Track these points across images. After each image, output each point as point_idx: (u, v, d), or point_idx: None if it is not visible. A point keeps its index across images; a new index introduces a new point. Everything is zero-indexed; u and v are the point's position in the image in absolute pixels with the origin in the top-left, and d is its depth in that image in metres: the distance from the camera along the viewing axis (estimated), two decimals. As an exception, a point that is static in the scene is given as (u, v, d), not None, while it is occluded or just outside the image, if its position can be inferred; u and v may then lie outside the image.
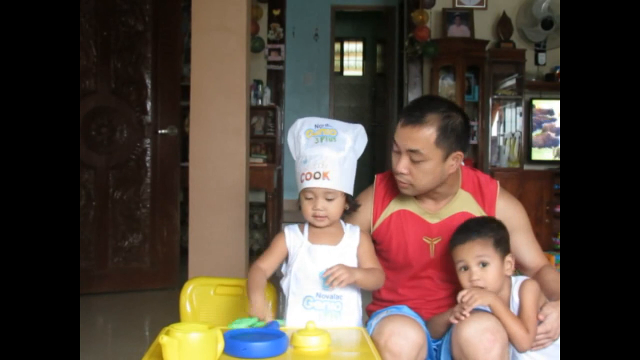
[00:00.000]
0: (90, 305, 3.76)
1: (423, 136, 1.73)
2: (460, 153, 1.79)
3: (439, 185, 1.81)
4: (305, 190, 1.71)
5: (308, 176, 1.68)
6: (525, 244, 1.90)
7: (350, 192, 1.75)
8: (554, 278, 1.83)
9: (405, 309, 1.84)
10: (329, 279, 1.62)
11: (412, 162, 1.75)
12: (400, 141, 1.77)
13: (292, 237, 1.76)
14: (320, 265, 1.69)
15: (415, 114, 1.75)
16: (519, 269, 1.93)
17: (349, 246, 1.74)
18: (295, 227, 1.78)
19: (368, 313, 1.96)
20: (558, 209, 5.36)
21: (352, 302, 1.71)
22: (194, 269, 3.18)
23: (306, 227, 1.77)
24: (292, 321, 1.68)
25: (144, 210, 4.21)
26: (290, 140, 1.78)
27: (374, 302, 1.98)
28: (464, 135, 1.79)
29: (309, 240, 1.75)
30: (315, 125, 1.75)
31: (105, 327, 3.66)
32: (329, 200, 1.70)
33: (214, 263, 3.18)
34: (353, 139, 1.75)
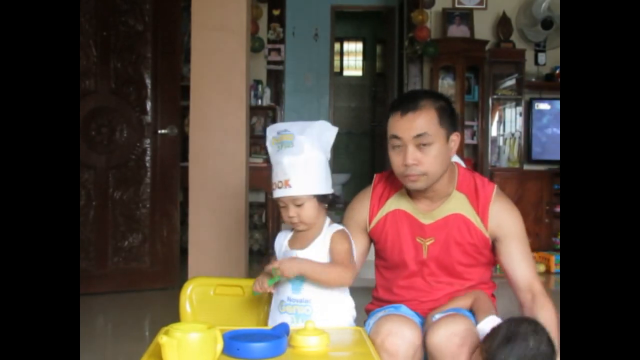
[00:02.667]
0: (90, 305, 3.76)
1: (426, 118, 1.75)
2: (457, 134, 1.83)
3: (445, 171, 1.81)
4: (277, 199, 1.74)
5: (273, 186, 1.72)
6: (516, 254, 1.82)
7: (322, 191, 1.72)
8: (548, 321, 1.70)
9: (403, 309, 1.84)
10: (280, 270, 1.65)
11: (419, 150, 1.74)
12: (403, 132, 1.75)
13: (279, 241, 1.81)
14: None
15: (409, 104, 1.77)
16: (510, 285, 1.86)
17: (319, 249, 1.72)
18: (287, 231, 1.82)
19: (366, 312, 1.96)
20: (558, 209, 5.36)
21: (324, 306, 1.69)
22: (194, 269, 3.18)
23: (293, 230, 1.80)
24: (271, 324, 1.70)
25: (144, 210, 4.21)
26: (268, 147, 1.80)
27: (372, 302, 1.98)
28: (454, 117, 1.84)
29: (288, 244, 1.78)
30: (277, 132, 1.74)
31: (105, 327, 3.66)
32: (298, 206, 1.70)
33: (213, 263, 3.18)
34: (315, 138, 1.71)
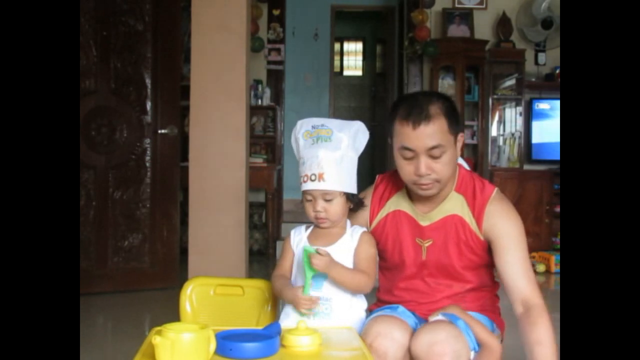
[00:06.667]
0: (90, 305, 3.76)
1: (438, 128, 1.71)
2: (462, 134, 1.82)
3: (451, 176, 1.80)
4: (305, 192, 1.73)
5: (305, 178, 1.71)
6: (509, 259, 1.75)
7: (352, 190, 1.76)
8: (539, 339, 1.66)
9: (400, 309, 1.84)
10: (312, 260, 1.62)
11: (432, 159, 1.72)
12: (416, 144, 1.71)
13: (296, 237, 1.80)
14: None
15: (419, 113, 1.71)
16: (505, 292, 1.80)
17: (345, 247, 1.74)
18: (302, 227, 1.82)
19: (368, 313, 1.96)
20: (558, 209, 5.36)
21: (344, 305, 1.71)
22: (194, 268, 3.18)
23: (311, 227, 1.80)
24: (285, 320, 1.70)
25: (144, 210, 4.21)
26: (292, 142, 1.81)
27: (375, 302, 1.98)
28: (458, 115, 1.81)
29: (308, 240, 1.77)
30: (312, 126, 1.75)
31: (105, 326, 3.66)
32: (328, 201, 1.71)
33: (214, 263, 3.18)
34: (351, 137, 1.74)
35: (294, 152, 1.83)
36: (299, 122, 1.80)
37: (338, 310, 1.70)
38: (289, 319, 1.70)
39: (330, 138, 1.72)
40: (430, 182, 1.75)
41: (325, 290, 1.70)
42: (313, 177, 1.69)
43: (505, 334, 1.93)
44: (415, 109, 1.72)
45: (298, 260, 1.76)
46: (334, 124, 1.76)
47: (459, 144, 1.80)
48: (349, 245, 1.74)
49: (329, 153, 1.69)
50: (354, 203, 1.78)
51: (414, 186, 1.78)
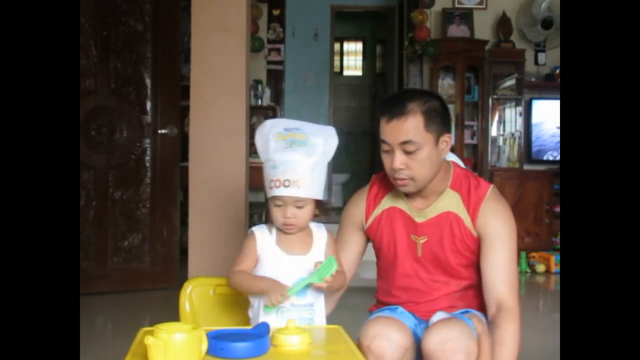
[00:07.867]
0: (90, 305, 3.76)
1: (412, 125, 1.72)
2: (449, 135, 1.80)
3: (435, 174, 1.80)
4: (275, 197, 1.67)
5: (277, 183, 1.64)
6: (493, 258, 1.76)
7: (321, 196, 1.71)
8: (501, 342, 1.68)
9: (400, 310, 1.85)
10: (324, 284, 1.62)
11: (407, 155, 1.73)
12: (390, 137, 1.74)
13: (262, 241, 1.72)
14: (294, 276, 1.65)
15: (396, 107, 1.74)
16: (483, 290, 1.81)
17: (319, 250, 1.71)
18: (264, 228, 1.74)
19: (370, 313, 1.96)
20: (558, 209, 5.36)
21: (322, 308, 1.70)
22: (194, 268, 3.18)
23: (274, 230, 1.72)
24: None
25: (144, 210, 4.21)
26: (258, 141, 1.72)
27: (375, 304, 1.99)
28: (446, 117, 1.80)
29: (278, 246, 1.71)
30: (285, 129, 1.68)
31: (105, 326, 3.66)
32: (299, 207, 1.66)
33: (213, 263, 3.18)
34: (325, 143, 1.69)
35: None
36: (269, 122, 1.73)
37: (319, 314, 1.69)
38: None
39: (305, 143, 1.66)
40: (406, 179, 1.76)
41: (308, 297, 1.67)
42: (287, 183, 1.63)
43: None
44: (394, 103, 1.77)
45: (270, 266, 1.69)
46: (308, 128, 1.70)
47: (444, 146, 1.79)
48: (322, 250, 1.72)
49: (304, 159, 1.64)
50: (321, 209, 1.76)
51: (393, 181, 1.81)
